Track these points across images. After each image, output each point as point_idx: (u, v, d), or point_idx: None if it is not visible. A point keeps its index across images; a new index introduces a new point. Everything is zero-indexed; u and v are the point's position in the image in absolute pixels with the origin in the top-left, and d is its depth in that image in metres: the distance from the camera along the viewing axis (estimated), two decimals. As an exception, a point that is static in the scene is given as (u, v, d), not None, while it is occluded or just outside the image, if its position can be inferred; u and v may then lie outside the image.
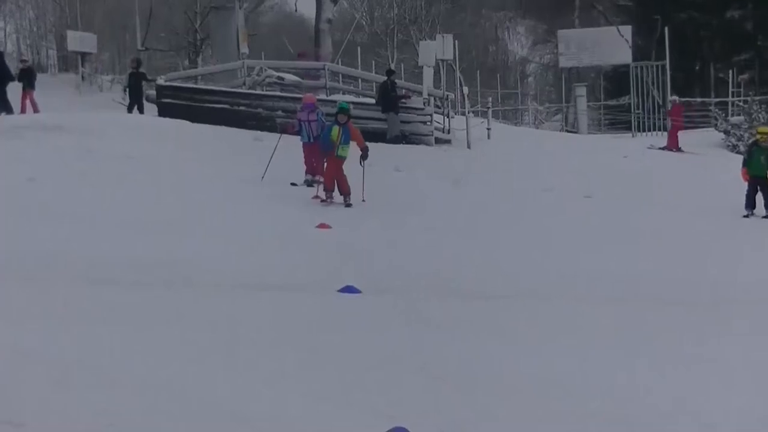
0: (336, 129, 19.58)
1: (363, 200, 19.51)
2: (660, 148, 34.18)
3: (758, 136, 21.41)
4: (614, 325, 10.55)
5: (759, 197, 20.56)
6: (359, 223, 17.15)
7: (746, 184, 20.62)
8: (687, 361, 9.01)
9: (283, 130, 22.41)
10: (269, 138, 24.71)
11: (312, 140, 21.18)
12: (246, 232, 15.01)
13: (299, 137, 21.45)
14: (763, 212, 20.37)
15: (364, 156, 19.63)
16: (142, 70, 32.21)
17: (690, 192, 22.44)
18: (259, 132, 27.14)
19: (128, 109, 31.21)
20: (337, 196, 19.65)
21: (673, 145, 33.96)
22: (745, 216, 20.28)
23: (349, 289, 11.06)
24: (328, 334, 9.39)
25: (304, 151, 21.36)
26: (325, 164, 19.85)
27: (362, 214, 17.90)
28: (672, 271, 13.81)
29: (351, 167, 19.72)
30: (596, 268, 13.96)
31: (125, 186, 17.91)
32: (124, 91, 32.11)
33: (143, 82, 31.54)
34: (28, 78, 31.91)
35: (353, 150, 19.83)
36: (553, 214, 19.35)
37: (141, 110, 31.06)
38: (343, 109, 20.08)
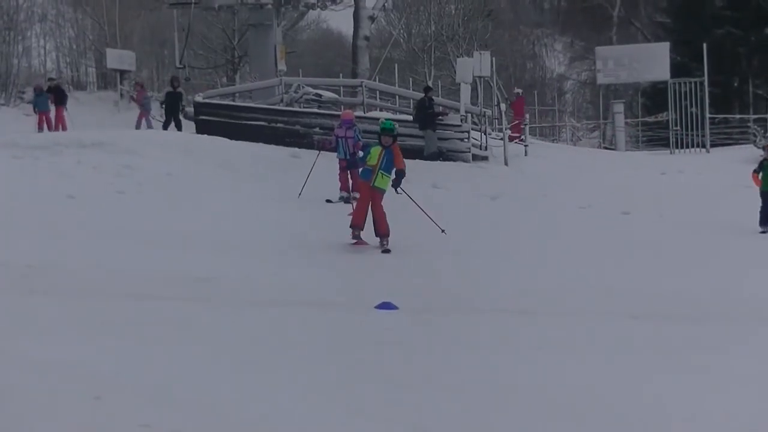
0: (377, 150, 16.23)
1: (443, 231, 17.10)
2: None
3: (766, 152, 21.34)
4: (655, 343, 10.51)
5: None
6: (396, 239, 17.13)
7: (758, 188, 20.50)
8: (711, 377, 8.97)
9: (321, 146, 22.49)
10: (307, 155, 24.78)
11: (348, 157, 21.26)
12: (284, 248, 15.06)
13: (336, 153, 21.51)
14: None
15: (395, 182, 16.46)
16: (179, 90, 32.42)
17: (721, 209, 22.26)
18: (296, 149, 27.22)
19: (164, 126, 31.41)
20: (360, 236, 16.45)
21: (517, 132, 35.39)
22: (761, 232, 20.10)
23: (386, 306, 11.06)
24: (365, 350, 9.40)
25: (339, 168, 21.42)
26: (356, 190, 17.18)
27: (399, 230, 17.84)
28: (703, 289, 13.73)
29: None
30: (630, 284, 13.90)
31: (163, 203, 18.01)
32: (161, 105, 32.34)
33: (180, 103, 31.80)
34: (57, 96, 32.34)
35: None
36: (589, 231, 19.28)
37: (179, 127, 31.24)
38: (387, 129, 16.45)
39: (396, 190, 16.52)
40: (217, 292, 11.50)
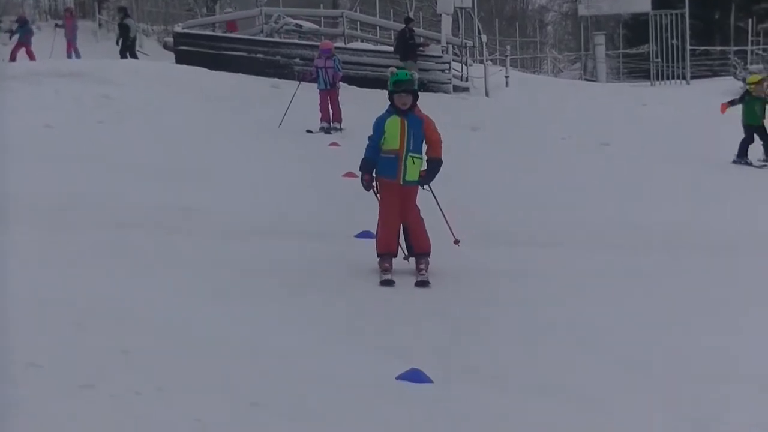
0: (395, 123, 10.05)
1: (456, 241, 10.62)
2: None
3: (749, 87, 21.29)
4: (636, 272, 10.64)
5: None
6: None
7: (723, 114, 20.64)
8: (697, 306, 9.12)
9: (302, 78, 22.43)
10: (287, 85, 24.68)
11: (328, 87, 21.23)
12: (263, 179, 15.04)
13: (316, 84, 21.47)
14: (762, 158, 20.32)
15: (425, 178, 10.23)
16: (126, 21, 31.96)
17: (701, 141, 22.29)
18: (276, 79, 27.12)
19: (121, 55, 31.11)
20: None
21: None
22: (733, 162, 20.35)
23: (365, 234, 11.11)
24: (343, 277, 9.48)
25: (320, 98, 21.37)
26: (378, 194, 10.28)
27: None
28: (679, 220, 13.85)
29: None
30: (608, 215, 13.98)
31: (143, 133, 17.94)
32: (117, 42, 31.97)
33: (127, 34, 31.41)
34: None
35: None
36: (570, 162, 19.31)
37: (134, 56, 30.95)
38: (404, 83, 10.22)
39: (423, 187, 10.38)
40: (198, 223, 11.52)
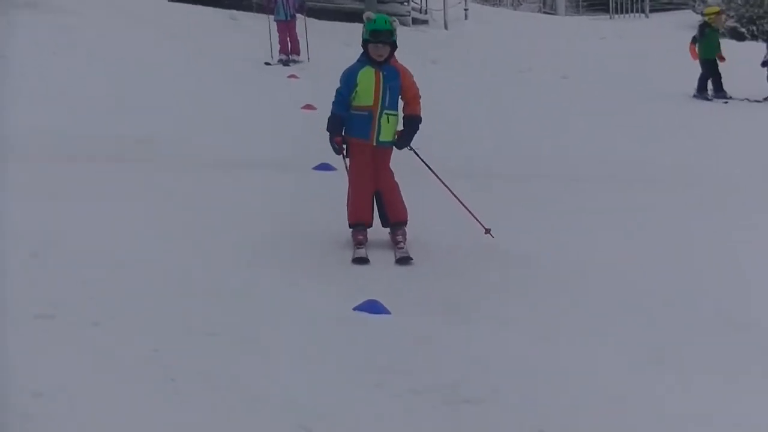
0: (368, 75, 8.69)
1: (487, 231, 8.99)
2: None
3: (707, 18, 21.26)
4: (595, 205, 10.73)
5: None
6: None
7: (696, 61, 20.59)
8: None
9: (269, 9, 21.89)
10: (244, 17, 24.50)
11: (289, 18, 21.01)
12: (223, 111, 14.96)
13: (272, 15, 21.23)
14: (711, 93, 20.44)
15: (402, 140, 8.86)
16: None
17: (660, 74, 22.36)
18: (234, 11, 26.89)
19: None
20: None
21: None
22: (695, 96, 20.37)
23: (324, 167, 11.12)
24: (301, 211, 9.48)
25: (278, 30, 21.16)
26: (346, 158, 8.95)
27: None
28: (635, 152, 14.01)
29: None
30: (569, 148, 14.08)
31: (101, 65, 17.75)
32: None
33: None
34: None
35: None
36: (530, 94, 19.34)
37: None
38: (382, 32, 8.83)
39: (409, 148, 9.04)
40: (155, 155, 11.50)
